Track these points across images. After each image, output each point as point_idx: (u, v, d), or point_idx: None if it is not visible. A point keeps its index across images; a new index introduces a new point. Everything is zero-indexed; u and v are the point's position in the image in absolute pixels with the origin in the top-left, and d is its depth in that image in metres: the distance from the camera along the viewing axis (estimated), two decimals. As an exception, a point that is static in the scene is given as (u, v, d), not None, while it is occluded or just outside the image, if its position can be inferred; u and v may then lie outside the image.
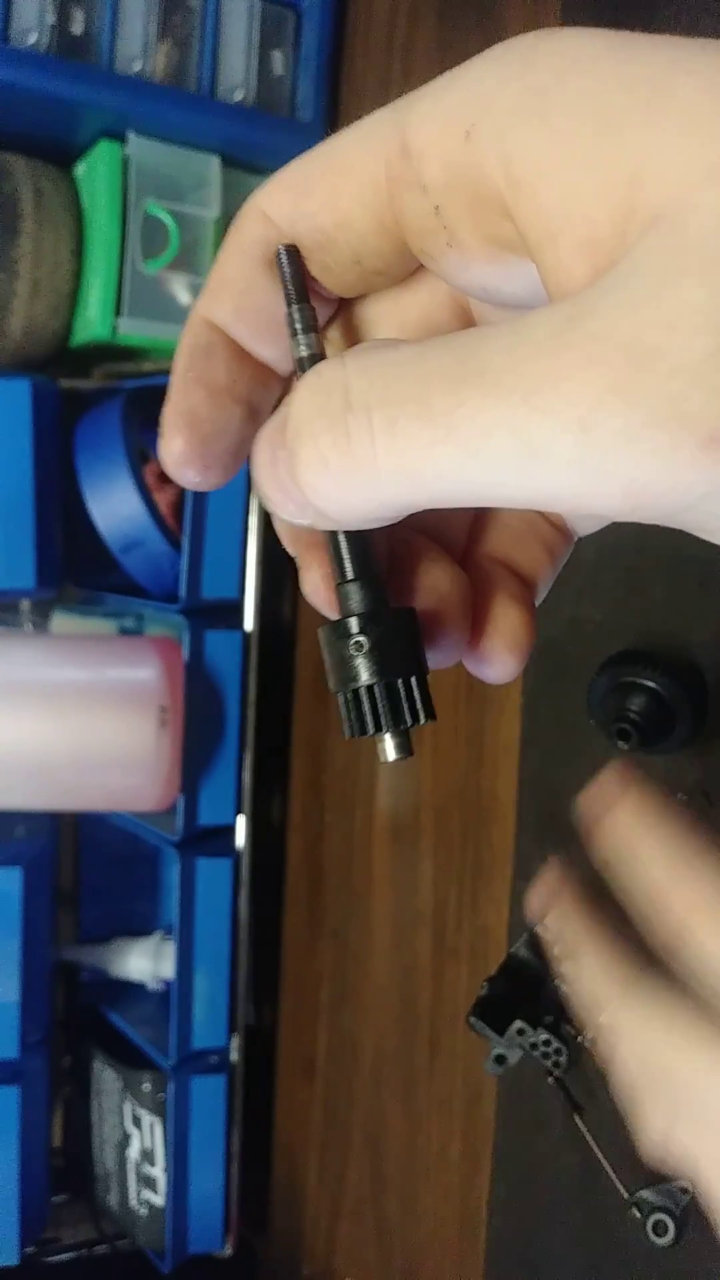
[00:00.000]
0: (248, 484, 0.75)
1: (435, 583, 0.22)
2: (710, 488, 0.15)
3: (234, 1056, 0.78)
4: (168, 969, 0.80)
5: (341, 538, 0.21)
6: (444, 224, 0.19)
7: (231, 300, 0.22)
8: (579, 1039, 0.53)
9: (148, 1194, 0.80)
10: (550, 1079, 0.53)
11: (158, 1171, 0.78)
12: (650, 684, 0.48)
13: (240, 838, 0.77)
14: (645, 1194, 0.49)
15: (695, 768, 0.49)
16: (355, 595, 0.21)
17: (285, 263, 0.22)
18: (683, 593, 0.50)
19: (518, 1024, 0.53)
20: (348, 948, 0.75)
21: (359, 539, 0.21)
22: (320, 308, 0.23)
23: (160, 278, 0.76)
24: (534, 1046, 0.53)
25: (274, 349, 0.23)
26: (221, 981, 0.76)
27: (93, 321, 0.75)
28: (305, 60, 0.77)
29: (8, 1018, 0.72)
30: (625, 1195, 0.50)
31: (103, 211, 0.74)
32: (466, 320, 0.24)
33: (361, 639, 0.21)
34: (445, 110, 0.18)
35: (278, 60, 0.77)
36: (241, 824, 0.77)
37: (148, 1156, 0.79)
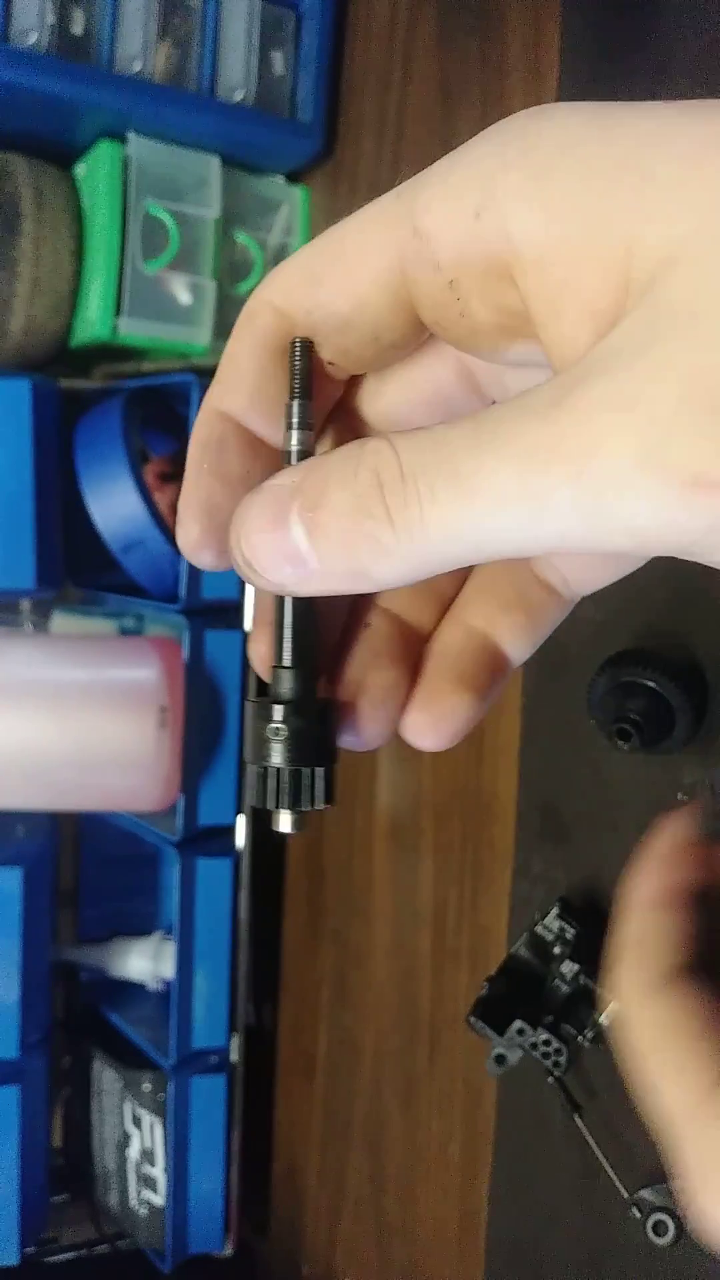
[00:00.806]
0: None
1: (381, 680, 0.25)
2: (705, 523, 0.17)
3: (234, 1056, 0.78)
4: (168, 969, 0.80)
5: (288, 621, 0.23)
6: (457, 297, 0.21)
7: (246, 391, 0.24)
8: (579, 1039, 0.53)
9: (148, 1194, 0.80)
10: (550, 1079, 0.53)
11: (158, 1171, 0.78)
12: (650, 684, 0.48)
13: (240, 838, 0.77)
14: (645, 1194, 0.49)
15: (696, 768, 0.49)
16: (286, 682, 0.23)
17: (298, 356, 0.23)
18: (683, 593, 0.50)
19: (518, 1024, 0.53)
20: (348, 948, 0.75)
21: (306, 625, 0.23)
22: (329, 389, 0.24)
23: (160, 278, 0.76)
24: (534, 1046, 0.53)
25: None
26: (221, 981, 0.76)
27: (93, 321, 0.75)
28: (305, 60, 0.77)
29: (8, 1018, 0.72)
30: (625, 1195, 0.50)
31: (103, 211, 0.74)
32: (472, 384, 0.25)
33: (281, 726, 0.23)
34: (453, 193, 0.20)
35: (278, 60, 0.77)
36: (241, 824, 0.77)
37: (148, 1156, 0.79)
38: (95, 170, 0.74)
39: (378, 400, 0.26)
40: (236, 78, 0.76)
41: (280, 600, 0.24)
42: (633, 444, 0.17)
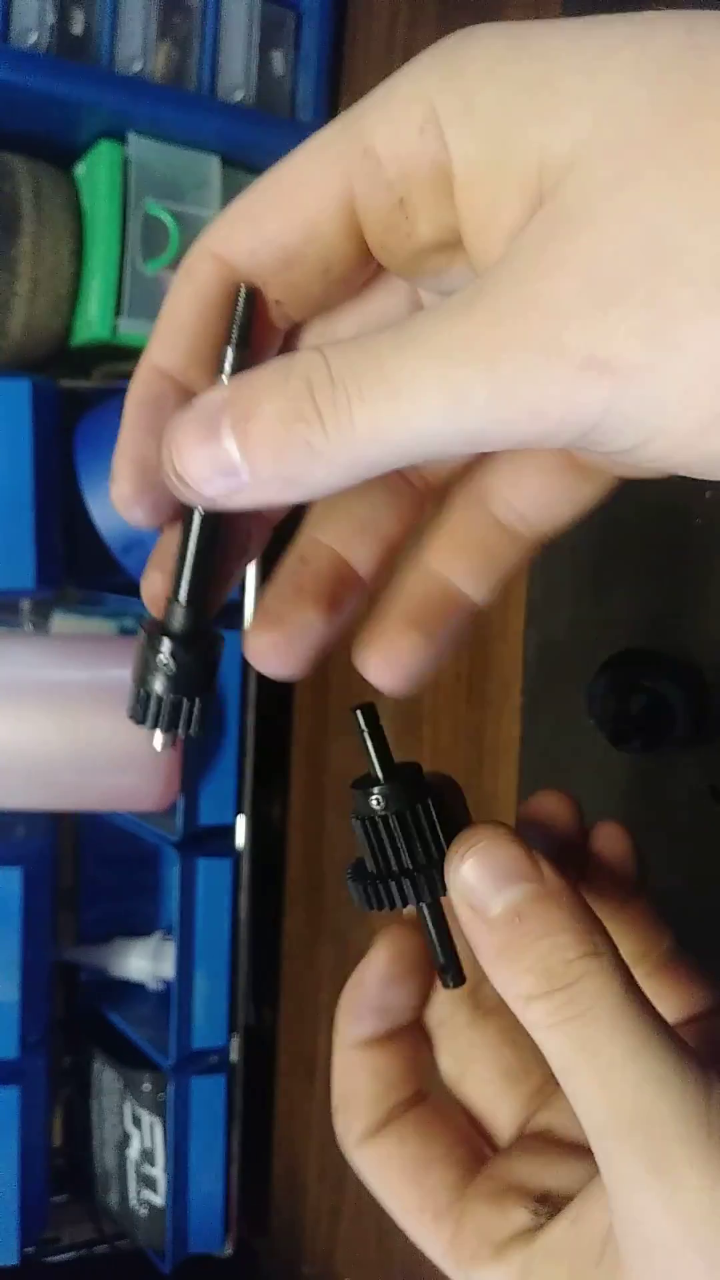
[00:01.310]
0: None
1: (299, 619, 0.25)
2: (601, 402, 0.18)
3: (234, 1056, 0.78)
4: (168, 969, 0.80)
5: (190, 558, 0.24)
6: (405, 215, 0.22)
7: (184, 346, 0.24)
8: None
9: (148, 1194, 0.80)
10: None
11: (158, 1171, 0.78)
12: (650, 684, 0.48)
13: (240, 838, 0.77)
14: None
15: (696, 768, 0.49)
16: (178, 617, 0.25)
17: (241, 304, 0.23)
18: (683, 593, 0.50)
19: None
20: (348, 948, 0.75)
21: (204, 562, 0.24)
22: (270, 337, 0.25)
23: (160, 278, 0.76)
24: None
25: None
26: (221, 981, 0.76)
27: (93, 321, 0.75)
28: (305, 60, 0.77)
29: (8, 1018, 0.72)
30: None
31: (103, 211, 0.74)
32: None
33: (168, 661, 0.24)
34: (397, 114, 0.21)
35: (278, 60, 0.77)
36: (241, 824, 0.77)
37: (148, 1156, 0.79)
38: (95, 170, 0.74)
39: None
40: (236, 78, 0.76)
41: (186, 535, 0.24)
42: (535, 334, 0.18)
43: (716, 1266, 0.21)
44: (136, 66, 0.72)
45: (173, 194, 0.76)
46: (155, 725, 0.25)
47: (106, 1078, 0.83)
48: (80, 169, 0.77)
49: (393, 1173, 0.27)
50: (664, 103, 0.18)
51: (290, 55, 0.77)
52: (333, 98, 0.77)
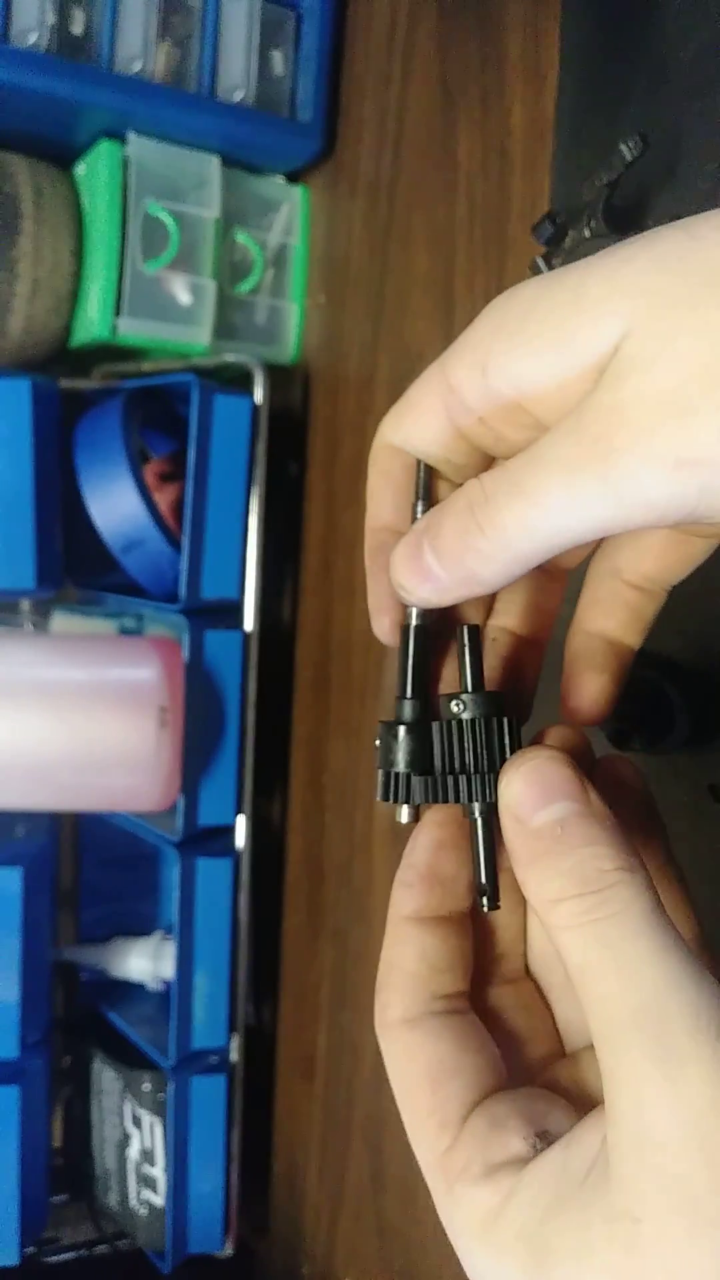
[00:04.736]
0: (248, 483, 0.75)
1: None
2: (695, 490, 0.24)
3: (234, 1056, 0.78)
4: (168, 969, 0.80)
5: (411, 662, 0.31)
6: (487, 427, 0.28)
7: (389, 510, 0.32)
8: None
9: (148, 1194, 0.80)
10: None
11: (158, 1171, 0.78)
12: (650, 684, 0.48)
13: (240, 838, 0.77)
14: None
15: (697, 768, 0.49)
16: (408, 709, 0.31)
17: (422, 470, 0.31)
18: (683, 593, 0.50)
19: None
20: (348, 948, 0.75)
21: (422, 663, 0.31)
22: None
23: (160, 278, 0.76)
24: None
25: None
26: (221, 981, 0.76)
27: (93, 321, 0.75)
28: (305, 60, 0.77)
29: (8, 1018, 0.72)
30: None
31: (103, 211, 0.74)
32: None
33: (402, 741, 0.30)
34: (468, 358, 0.28)
35: (278, 60, 0.77)
36: (241, 824, 0.77)
37: (148, 1156, 0.79)
38: (95, 170, 0.74)
39: None
40: (236, 78, 0.76)
41: (405, 647, 0.31)
42: (632, 446, 0.24)
43: (714, 1160, 0.21)
44: (136, 66, 0.72)
45: (173, 194, 0.76)
46: (401, 800, 0.30)
47: (106, 1078, 0.83)
48: (80, 169, 0.77)
49: (416, 1067, 0.27)
50: (682, 282, 0.24)
51: (290, 55, 0.77)
52: (333, 98, 0.77)
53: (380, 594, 0.31)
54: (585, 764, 0.31)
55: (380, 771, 0.30)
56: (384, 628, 0.32)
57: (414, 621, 0.31)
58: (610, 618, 0.33)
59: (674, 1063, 0.22)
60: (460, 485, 0.31)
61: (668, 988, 0.23)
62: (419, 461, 0.31)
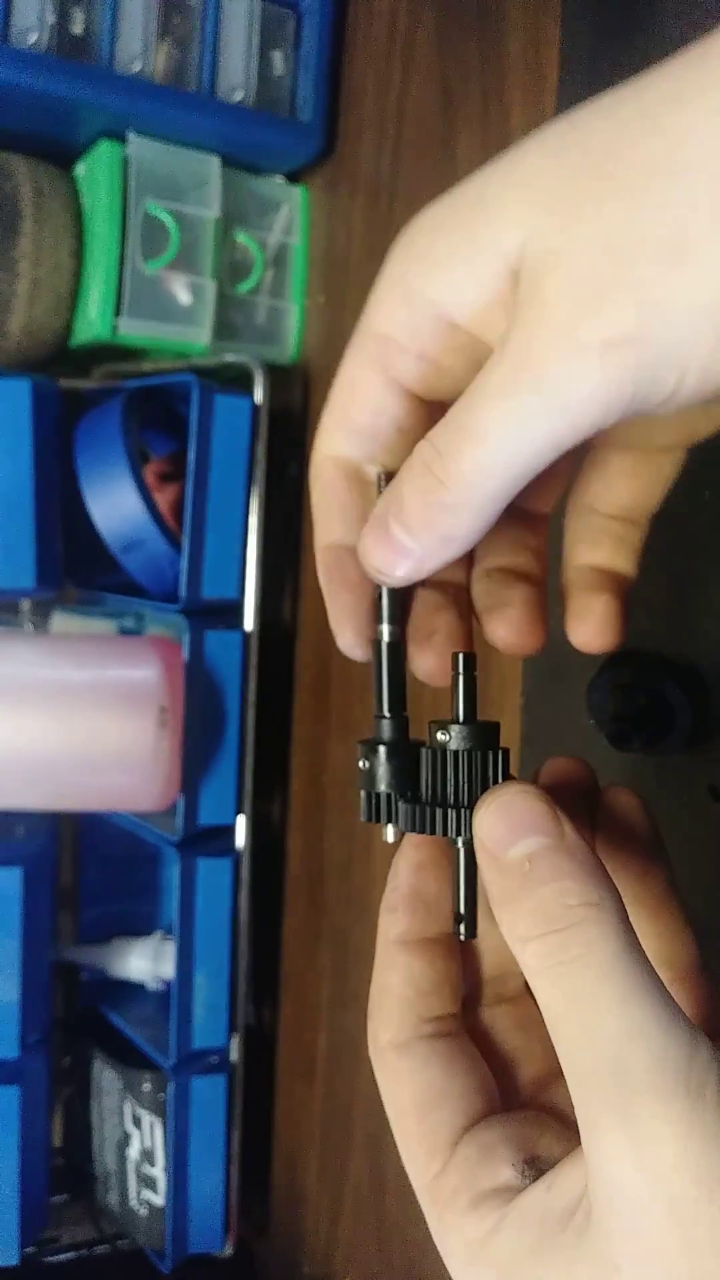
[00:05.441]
0: (248, 483, 0.75)
1: (444, 623, 0.32)
2: (630, 373, 0.23)
3: (234, 1056, 0.78)
4: (168, 969, 0.80)
5: (385, 679, 0.30)
6: (431, 360, 0.28)
7: (339, 526, 0.31)
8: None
9: (148, 1194, 0.80)
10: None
11: (158, 1171, 0.78)
12: (650, 684, 0.48)
13: (240, 838, 0.77)
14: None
15: (697, 768, 0.49)
16: (386, 728, 0.31)
17: (381, 480, 0.30)
18: (683, 593, 0.50)
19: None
20: (348, 948, 0.75)
21: (396, 680, 0.31)
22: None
23: (160, 278, 0.76)
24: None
25: None
26: (221, 981, 0.76)
27: (93, 321, 0.75)
28: (305, 60, 0.77)
29: (8, 1018, 0.72)
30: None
31: (103, 211, 0.74)
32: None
33: (383, 761, 0.30)
34: (389, 298, 0.27)
35: (278, 60, 0.77)
36: (241, 824, 0.77)
37: (148, 1156, 0.79)
38: (95, 170, 0.74)
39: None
40: (236, 78, 0.76)
41: (378, 664, 0.31)
42: (556, 347, 0.23)
43: (683, 1222, 0.21)
44: (136, 66, 0.72)
45: (173, 194, 0.76)
46: (388, 820, 0.30)
47: (106, 1078, 0.83)
48: (80, 169, 0.77)
49: (405, 1093, 0.27)
50: (570, 171, 0.24)
51: (290, 55, 0.77)
52: (333, 98, 0.77)
53: (339, 611, 0.31)
54: (587, 794, 0.31)
55: (362, 793, 0.30)
56: (348, 641, 0.31)
57: (385, 639, 0.31)
58: (597, 549, 0.32)
59: (638, 1120, 0.21)
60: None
61: (631, 1039, 0.22)
62: (379, 475, 0.30)
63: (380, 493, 0.30)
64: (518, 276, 0.25)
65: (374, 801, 0.30)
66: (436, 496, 0.26)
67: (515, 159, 0.25)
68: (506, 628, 0.32)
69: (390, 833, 0.30)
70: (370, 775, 0.30)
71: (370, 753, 0.30)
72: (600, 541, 0.32)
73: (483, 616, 0.32)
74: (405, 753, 0.30)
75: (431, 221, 0.26)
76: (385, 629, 0.30)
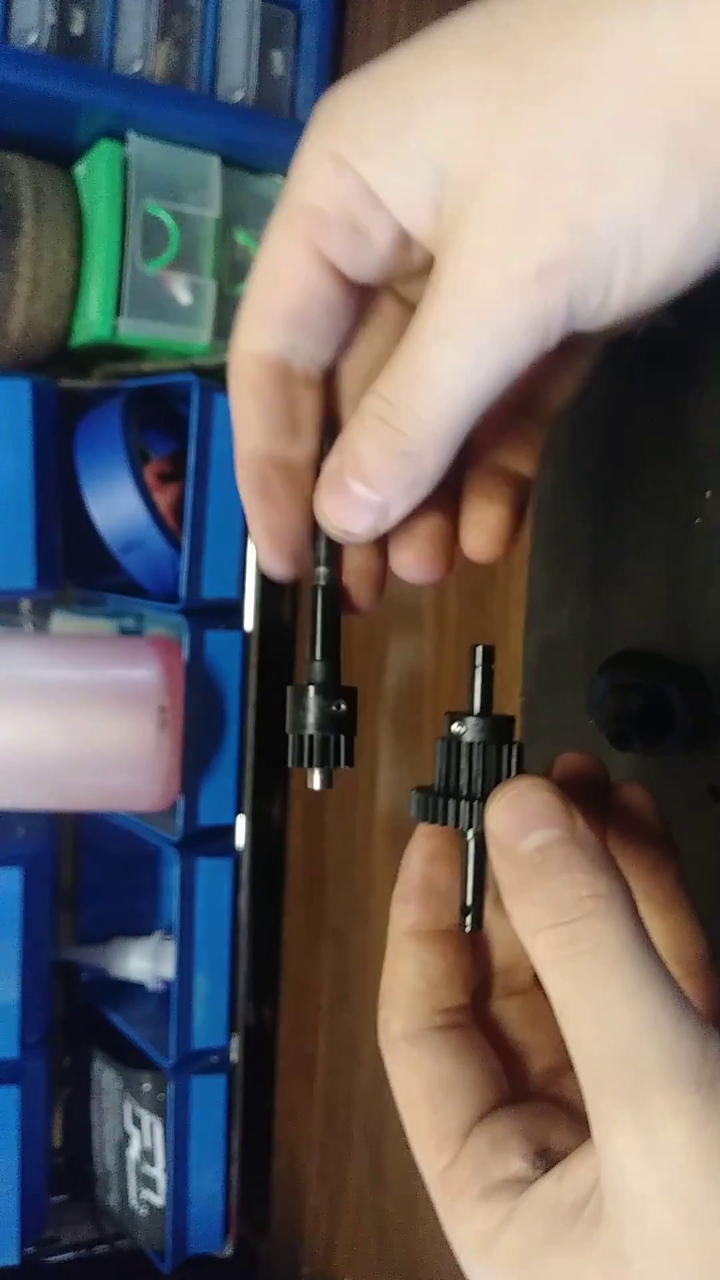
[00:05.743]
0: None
1: (358, 564, 0.31)
2: (561, 296, 0.23)
3: (234, 1056, 0.78)
4: (168, 969, 0.80)
5: (319, 622, 0.30)
6: (359, 232, 0.26)
7: (262, 429, 0.29)
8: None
9: (148, 1194, 0.80)
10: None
11: (158, 1171, 0.78)
12: (650, 684, 0.48)
13: (240, 838, 0.77)
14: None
15: (697, 768, 0.49)
16: (318, 670, 0.30)
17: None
18: (683, 593, 0.50)
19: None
20: (348, 948, 0.75)
21: (331, 623, 0.30)
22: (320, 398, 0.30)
23: (160, 278, 0.76)
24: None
25: (304, 446, 0.30)
26: (221, 981, 0.76)
27: (93, 321, 0.75)
28: (305, 60, 0.77)
29: (8, 1018, 0.72)
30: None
31: (103, 211, 0.74)
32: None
33: (313, 704, 0.30)
34: (313, 169, 0.27)
35: (278, 60, 0.77)
36: (241, 824, 0.77)
37: (148, 1156, 0.79)
38: (95, 170, 0.74)
39: (359, 378, 0.30)
40: (236, 78, 0.76)
41: (314, 608, 0.30)
42: (492, 277, 0.24)
43: (693, 1218, 0.21)
44: (136, 66, 0.72)
45: (173, 194, 0.76)
46: (313, 763, 0.29)
47: (106, 1078, 0.83)
48: (80, 169, 0.77)
49: (416, 1083, 0.27)
50: (492, 81, 0.23)
51: (290, 55, 0.77)
52: (333, 98, 0.77)
53: (264, 530, 0.30)
54: (598, 790, 0.30)
55: (291, 736, 0.30)
56: (278, 562, 0.30)
57: (322, 582, 0.30)
58: (502, 449, 0.32)
59: (650, 1114, 0.21)
60: (328, 379, 0.31)
61: (643, 1031, 0.22)
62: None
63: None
64: (443, 189, 0.24)
65: (302, 744, 0.29)
66: (397, 445, 0.26)
67: (436, 54, 0.25)
68: (486, 536, 0.31)
69: (317, 778, 0.30)
70: (298, 717, 0.30)
71: (299, 695, 0.30)
72: (506, 439, 0.32)
73: (466, 519, 0.32)
74: (336, 696, 0.30)
75: (358, 105, 0.26)
76: (322, 571, 0.30)
